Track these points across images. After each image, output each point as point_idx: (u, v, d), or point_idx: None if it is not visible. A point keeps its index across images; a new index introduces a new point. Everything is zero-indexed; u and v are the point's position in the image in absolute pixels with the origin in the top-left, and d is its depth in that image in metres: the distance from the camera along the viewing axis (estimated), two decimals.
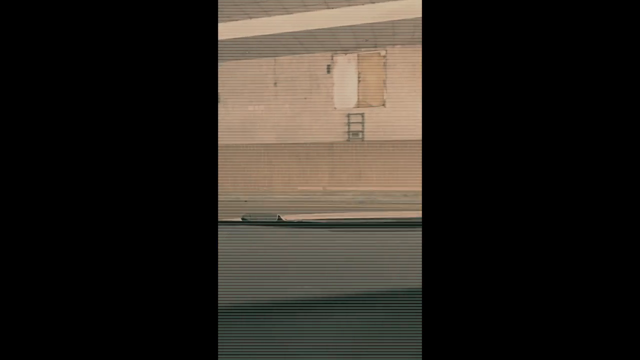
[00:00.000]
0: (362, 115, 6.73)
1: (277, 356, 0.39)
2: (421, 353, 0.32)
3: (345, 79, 6.81)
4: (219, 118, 7.11)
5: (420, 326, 0.32)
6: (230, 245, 0.64)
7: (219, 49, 6.31)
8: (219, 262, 0.36)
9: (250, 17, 5.82)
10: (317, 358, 0.39)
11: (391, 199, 5.55)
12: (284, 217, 0.82)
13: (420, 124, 6.36)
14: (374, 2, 5.37)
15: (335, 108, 6.86)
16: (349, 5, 5.45)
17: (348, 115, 6.79)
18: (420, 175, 4.78)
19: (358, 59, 6.74)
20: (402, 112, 6.50)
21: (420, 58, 6.36)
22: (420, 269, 0.33)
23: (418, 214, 0.83)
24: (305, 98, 6.98)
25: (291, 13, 5.71)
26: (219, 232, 0.53)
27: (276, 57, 7.04)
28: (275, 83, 7.13)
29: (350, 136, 6.80)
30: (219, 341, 0.36)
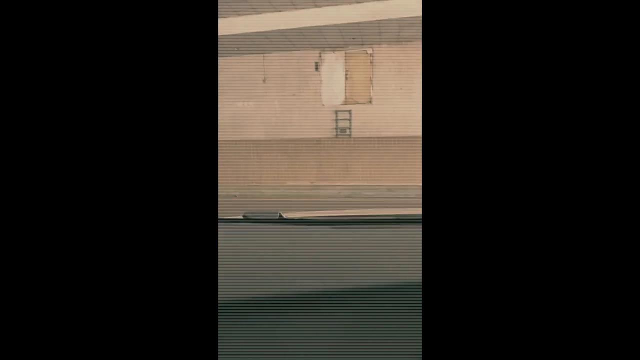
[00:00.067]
0: (350, 112, 6.88)
1: (277, 353, 0.39)
2: (421, 349, 0.32)
3: (333, 76, 6.93)
4: None
5: (420, 322, 0.32)
6: (231, 242, 0.64)
7: None
8: (219, 260, 0.36)
9: (240, 15, 5.90)
10: (317, 355, 0.39)
11: (376, 193, 5.73)
12: (285, 215, 0.82)
13: (406, 122, 6.55)
14: (360, 2, 5.50)
15: (323, 105, 6.99)
16: (336, 4, 5.57)
17: (336, 112, 6.93)
18: (405, 171, 4.85)
19: (345, 57, 6.87)
20: (388, 110, 6.67)
21: (406, 57, 6.53)
22: (421, 265, 0.33)
23: (418, 211, 0.81)
24: (294, 95, 7.09)
25: (280, 11, 5.81)
26: (219, 230, 0.52)
27: (265, 54, 7.12)
28: (264, 80, 7.22)
29: (338, 132, 6.95)
30: (219, 338, 0.36)
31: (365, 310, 0.43)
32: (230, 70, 7.23)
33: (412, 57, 6.51)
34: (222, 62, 7.20)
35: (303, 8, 5.71)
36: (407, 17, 5.53)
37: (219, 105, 7.30)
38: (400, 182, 5.93)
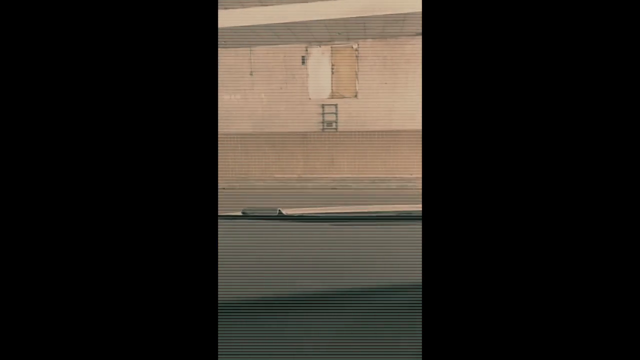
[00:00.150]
0: (336, 106, 7.02)
1: (276, 350, 0.40)
2: (421, 347, 0.32)
3: (320, 70, 7.03)
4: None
5: (421, 320, 0.32)
6: (230, 239, 0.63)
7: None
8: (219, 257, 0.36)
9: (226, 8, 5.93)
10: (317, 354, 0.39)
11: (361, 184, 5.93)
12: (285, 211, 0.81)
13: (390, 116, 6.74)
14: None
15: (310, 98, 7.11)
16: (323, 0, 5.67)
17: (322, 106, 7.06)
18: (387, 164, 4.90)
19: (331, 51, 6.98)
20: (373, 104, 6.84)
21: (390, 52, 6.69)
22: (421, 262, 0.32)
23: (419, 207, 0.80)
24: (281, 88, 7.17)
25: (266, 5, 5.87)
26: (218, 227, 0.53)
27: (252, 48, 7.16)
28: (251, 73, 7.26)
29: (325, 126, 7.09)
30: (219, 336, 0.35)
31: (365, 309, 0.43)
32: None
33: (396, 53, 6.67)
34: None
35: (290, 3, 5.79)
36: (391, 14, 5.67)
37: None
38: (383, 174, 6.14)
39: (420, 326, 0.32)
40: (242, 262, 0.55)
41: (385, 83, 6.79)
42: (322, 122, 7.10)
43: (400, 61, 6.61)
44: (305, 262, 0.55)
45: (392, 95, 6.76)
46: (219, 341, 0.35)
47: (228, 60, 7.27)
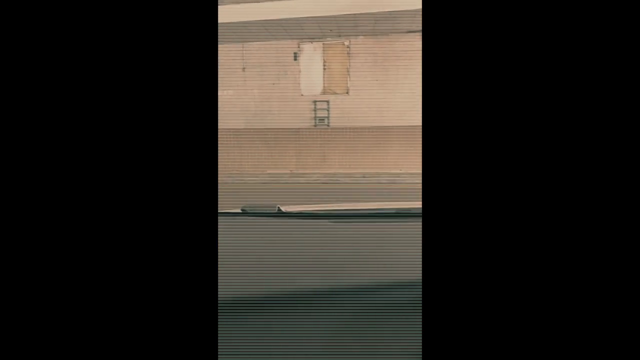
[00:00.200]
0: (328, 102, 7.09)
1: (276, 347, 0.39)
2: (421, 345, 0.32)
3: (312, 66, 7.09)
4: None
5: (421, 318, 0.32)
6: (229, 236, 0.63)
7: None
8: (218, 254, 0.36)
9: (219, 4, 5.94)
10: (317, 349, 0.39)
11: (351, 179, 6.06)
12: (284, 208, 0.81)
13: (381, 112, 6.86)
14: None
15: (302, 95, 7.18)
16: None
17: (314, 102, 7.13)
18: (378, 159, 4.94)
19: (323, 48, 7.04)
20: (364, 101, 6.94)
21: (381, 49, 6.80)
22: (421, 259, 0.32)
23: (418, 205, 0.79)
24: (274, 84, 7.22)
25: (259, 2, 5.91)
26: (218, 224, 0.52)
27: (244, 44, 7.19)
28: (243, 68, 7.29)
29: (317, 122, 7.17)
30: (219, 333, 0.35)
31: (365, 307, 0.43)
32: None
33: (386, 50, 6.78)
34: None
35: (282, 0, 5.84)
36: (381, 12, 5.77)
37: None
38: (373, 169, 6.27)
39: (421, 324, 0.32)
40: (242, 259, 0.55)
41: (377, 80, 6.89)
42: (314, 119, 7.18)
43: (391, 58, 6.72)
44: (305, 259, 0.55)
45: (383, 92, 6.87)
46: (219, 339, 0.35)
47: (221, 56, 7.27)
